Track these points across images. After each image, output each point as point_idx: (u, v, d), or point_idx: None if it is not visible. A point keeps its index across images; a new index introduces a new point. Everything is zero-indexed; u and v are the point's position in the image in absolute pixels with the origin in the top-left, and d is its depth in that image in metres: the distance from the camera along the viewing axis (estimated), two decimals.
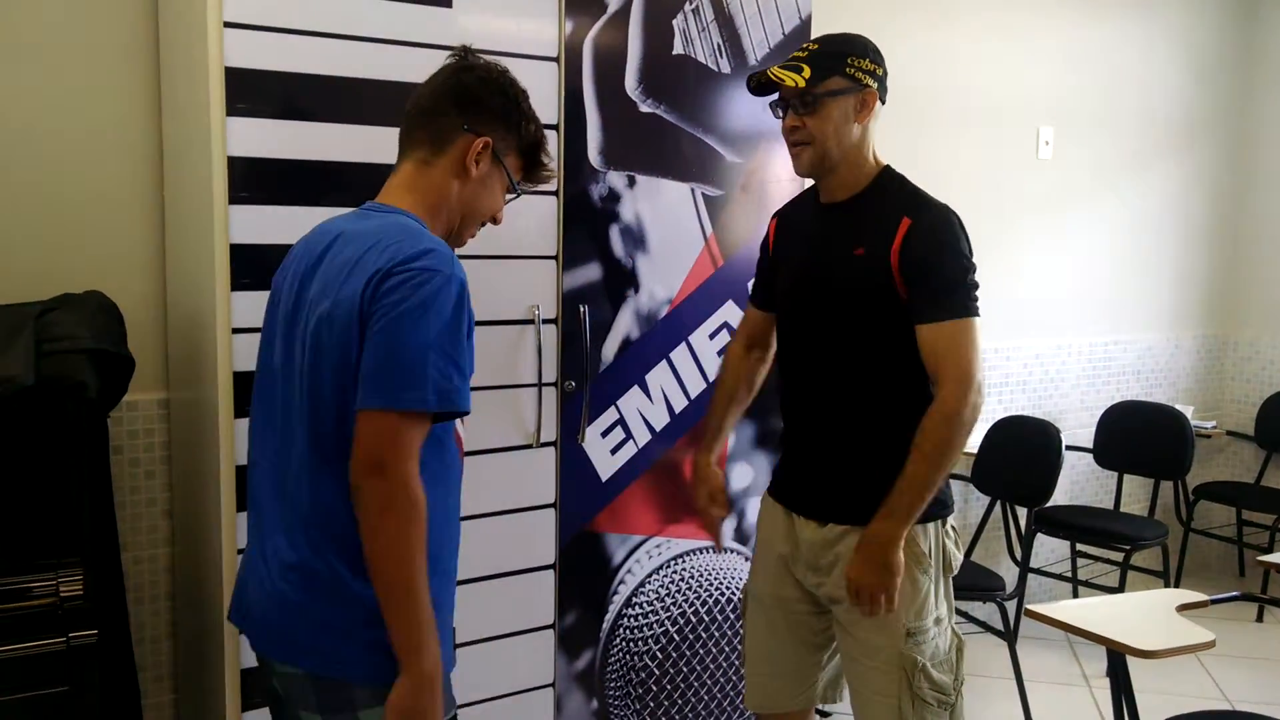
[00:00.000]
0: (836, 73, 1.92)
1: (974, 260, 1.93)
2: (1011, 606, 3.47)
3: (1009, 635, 3.43)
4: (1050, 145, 4.23)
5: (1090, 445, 4.42)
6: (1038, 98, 4.18)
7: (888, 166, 2.03)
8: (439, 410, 1.40)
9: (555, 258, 2.46)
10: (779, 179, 2.73)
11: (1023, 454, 3.68)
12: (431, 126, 1.58)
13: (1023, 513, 3.99)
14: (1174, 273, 4.82)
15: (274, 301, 1.61)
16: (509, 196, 1.67)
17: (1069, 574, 4.39)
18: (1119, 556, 4.03)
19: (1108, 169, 4.48)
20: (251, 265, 2.09)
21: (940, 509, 2.00)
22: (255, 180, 2.08)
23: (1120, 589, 3.92)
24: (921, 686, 1.94)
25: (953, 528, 2.03)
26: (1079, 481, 4.54)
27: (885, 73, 1.98)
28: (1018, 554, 3.91)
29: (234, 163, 2.06)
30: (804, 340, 2.06)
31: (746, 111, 2.66)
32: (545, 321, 2.45)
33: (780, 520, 2.13)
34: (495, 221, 1.68)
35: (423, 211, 1.56)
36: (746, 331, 2.28)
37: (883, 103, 1.98)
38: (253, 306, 2.08)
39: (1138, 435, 4.32)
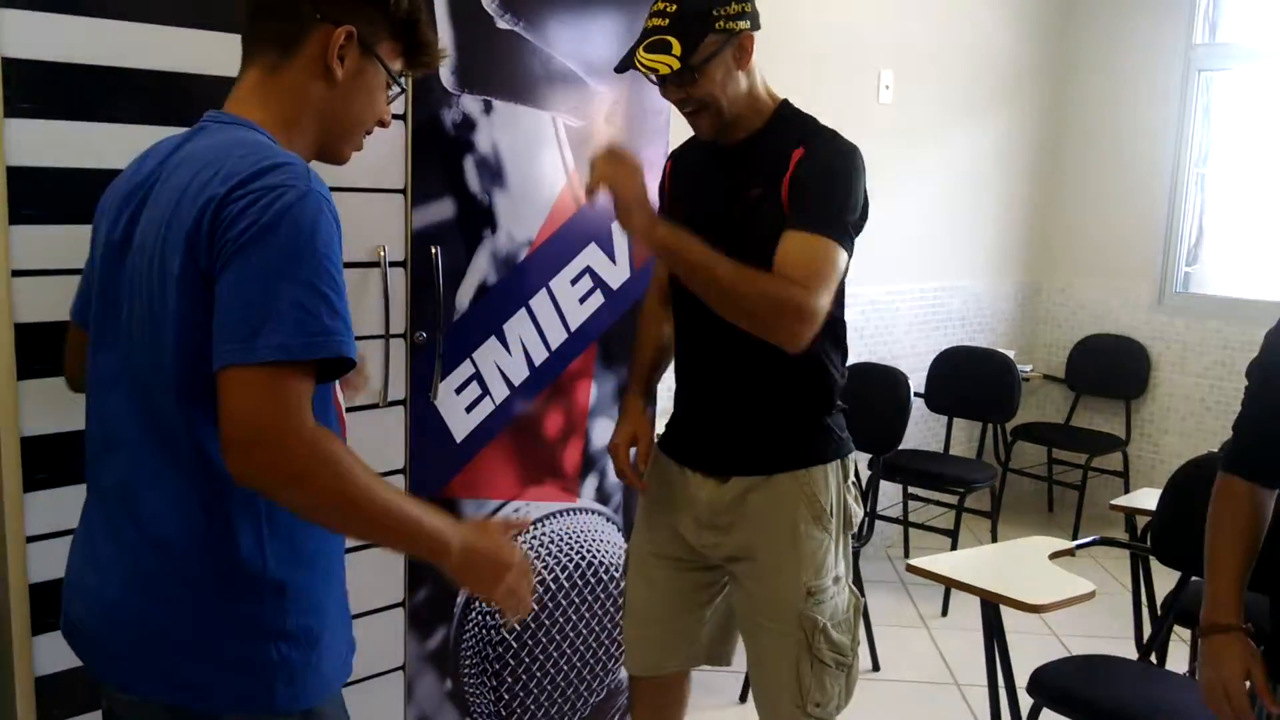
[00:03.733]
0: (707, 33, 1.72)
1: (863, 202, 1.80)
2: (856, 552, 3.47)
3: (857, 582, 3.42)
4: (890, 90, 4.20)
5: (922, 390, 4.49)
6: (880, 41, 4.13)
7: (785, 101, 1.88)
8: (308, 357, 1.10)
9: (403, 191, 2.17)
10: (648, 111, 2.52)
11: (872, 402, 3.65)
12: (277, 19, 1.27)
13: (863, 459, 4.01)
14: (998, 221, 4.95)
15: (94, 241, 1.28)
16: (393, 92, 1.36)
17: (900, 516, 4.47)
18: (950, 499, 4.12)
19: (941, 116, 4.52)
20: (37, 192, 1.71)
21: (842, 447, 1.91)
22: (38, 88, 1.69)
23: (955, 531, 4.01)
24: (821, 648, 1.85)
25: (854, 483, 1.93)
26: (910, 425, 4.60)
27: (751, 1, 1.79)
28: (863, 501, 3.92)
29: (9, 65, 1.66)
30: None
31: (613, 32, 2.43)
32: (393, 265, 2.17)
33: (673, 477, 1.97)
34: (383, 124, 1.38)
35: (276, 126, 1.25)
36: (659, 282, 2.11)
37: (758, 28, 1.80)
38: (41, 244, 1.71)
39: (968, 380, 4.41)
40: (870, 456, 3.87)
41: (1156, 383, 4.86)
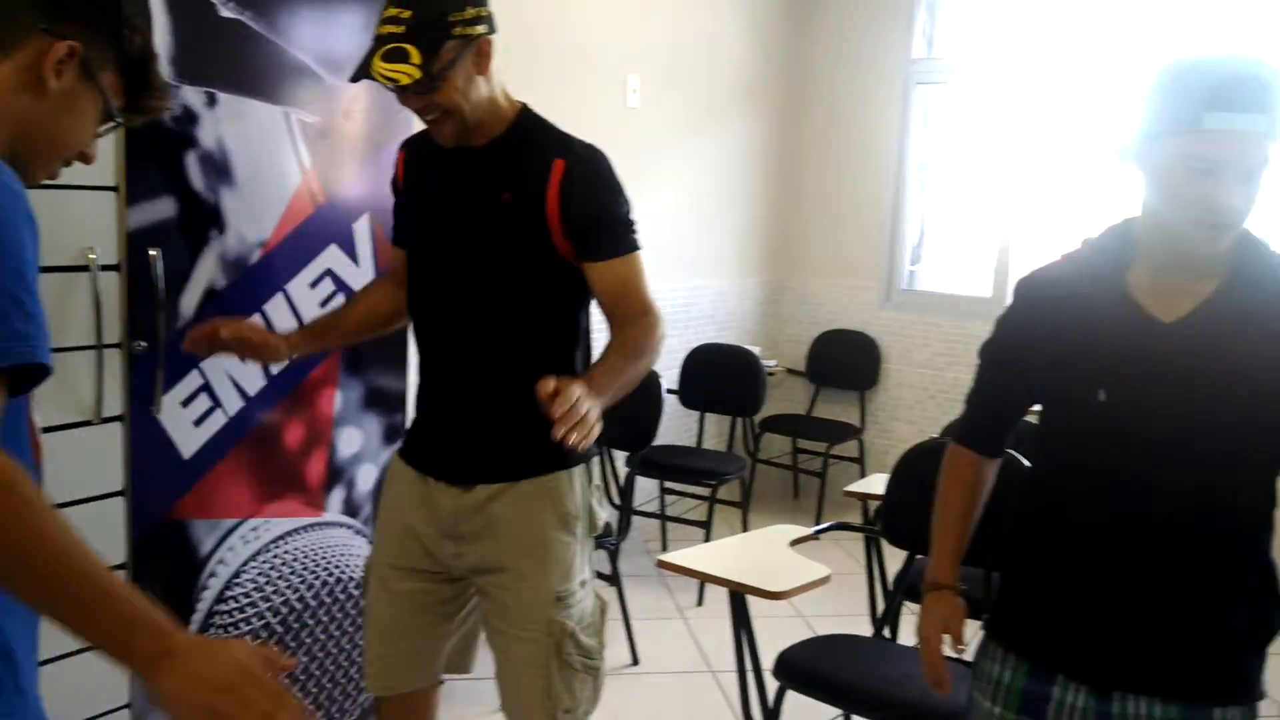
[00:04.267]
0: (446, 39, 1.68)
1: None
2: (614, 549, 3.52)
3: (615, 578, 3.48)
4: (638, 94, 4.28)
5: (676, 387, 4.61)
6: (626, 46, 4.21)
7: (525, 106, 1.87)
8: None
9: (116, 189, 1.99)
10: (388, 109, 2.44)
11: (627, 400, 3.71)
12: None
13: (620, 456, 4.07)
14: (742, 223, 5.16)
15: None
16: (105, 127, 1.25)
17: (658, 511, 4.57)
18: (704, 491, 4.25)
19: (687, 121, 4.65)
20: None
21: (587, 451, 1.91)
22: None
23: (708, 522, 4.14)
24: (570, 653, 1.85)
25: (598, 486, 1.94)
26: (665, 422, 4.71)
27: (485, 3, 1.77)
28: (616, 498, 3.98)
29: None
30: (443, 289, 1.86)
31: (350, 25, 2.33)
32: (104, 268, 1.99)
33: (413, 486, 1.91)
34: (85, 159, 1.26)
35: None
36: (396, 272, 2.04)
37: (494, 32, 1.78)
38: None
39: (718, 376, 4.57)
40: (627, 454, 3.95)
41: (886, 374, 5.21)
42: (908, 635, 3.23)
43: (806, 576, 2.23)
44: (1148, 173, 1.39)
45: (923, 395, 5.12)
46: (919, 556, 2.77)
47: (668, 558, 2.33)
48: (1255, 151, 1.29)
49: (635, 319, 1.81)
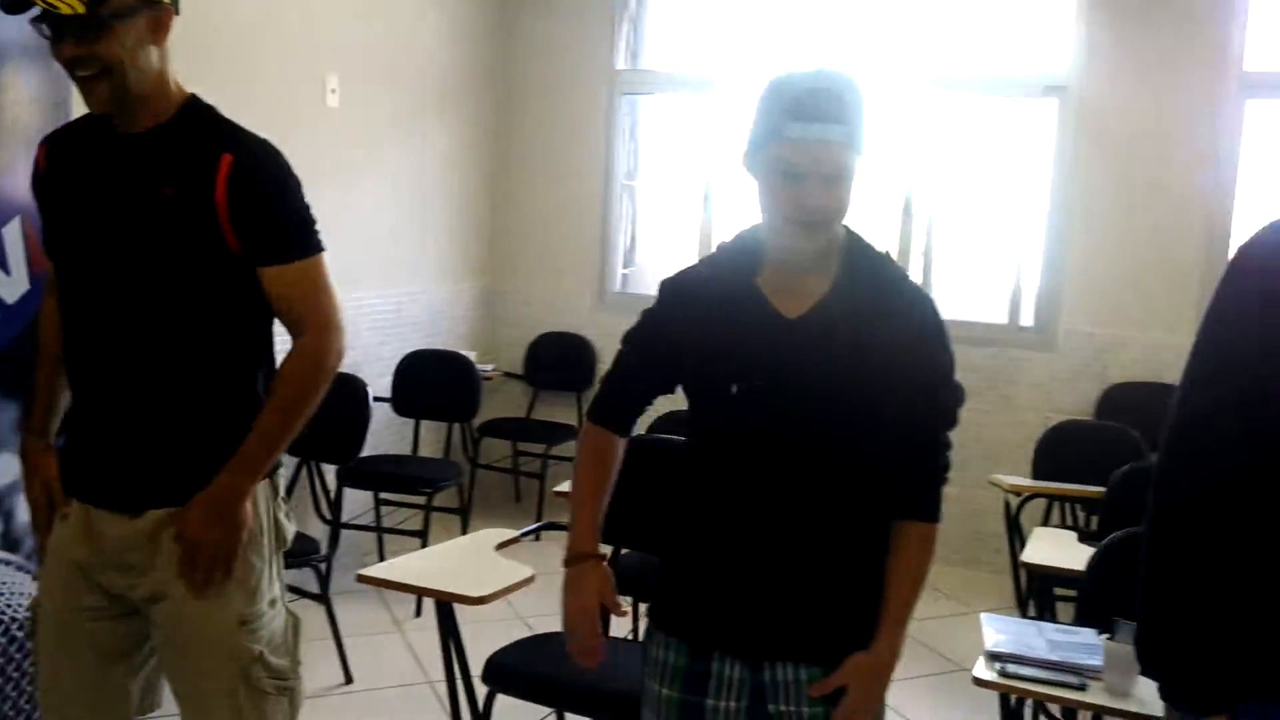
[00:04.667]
0: None
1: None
2: (324, 566, 3.39)
3: (324, 596, 3.35)
4: (337, 94, 4.15)
5: (389, 395, 4.50)
6: (324, 43, 4.07)
7: (194, 95, 1.76)
8: None
9: None
10: (42, 99, 2.22)
11: (328, 410, 3.57)
12: None
13: (329, 469, 3.93)
14: (454, 227, 5.12)
15: None
16: None
17: (374, 524, 4.45)
18: (422, 500, 4.18)
19: (392, 122, 4.56)
20: None
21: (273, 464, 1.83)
22: None
23: (424, 531, 4.07)
24: (260, 677, 1.76)
25: (284, 499, 1.86)
26: (379, 432, 4.60)
27: None
28: (326, 512, 3.83)
29: None
30: (95, 294, 1.71)
31: None
32: None
33: (75, 518, 1.75)
34: None
35: None
36: (50, 282, 1.86)
37: (178, 12, 1.69)
38: None
39: (432, 382, 4.51)
40: (336, 466, 3.81)
41: (601, 374, 5.32)
42: (619, 626, 3.34)
43: (510, 579, 2.24)
44: (756, 179, 1.51)
45: None
46: (624, 550, 2.86)
47: (368, 571, 2.27)
48: (835, 158, 1.43)
49: (313, 331, 1.74)
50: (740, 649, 1.59)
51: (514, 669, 2.38)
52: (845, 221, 1.57)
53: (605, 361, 5.17)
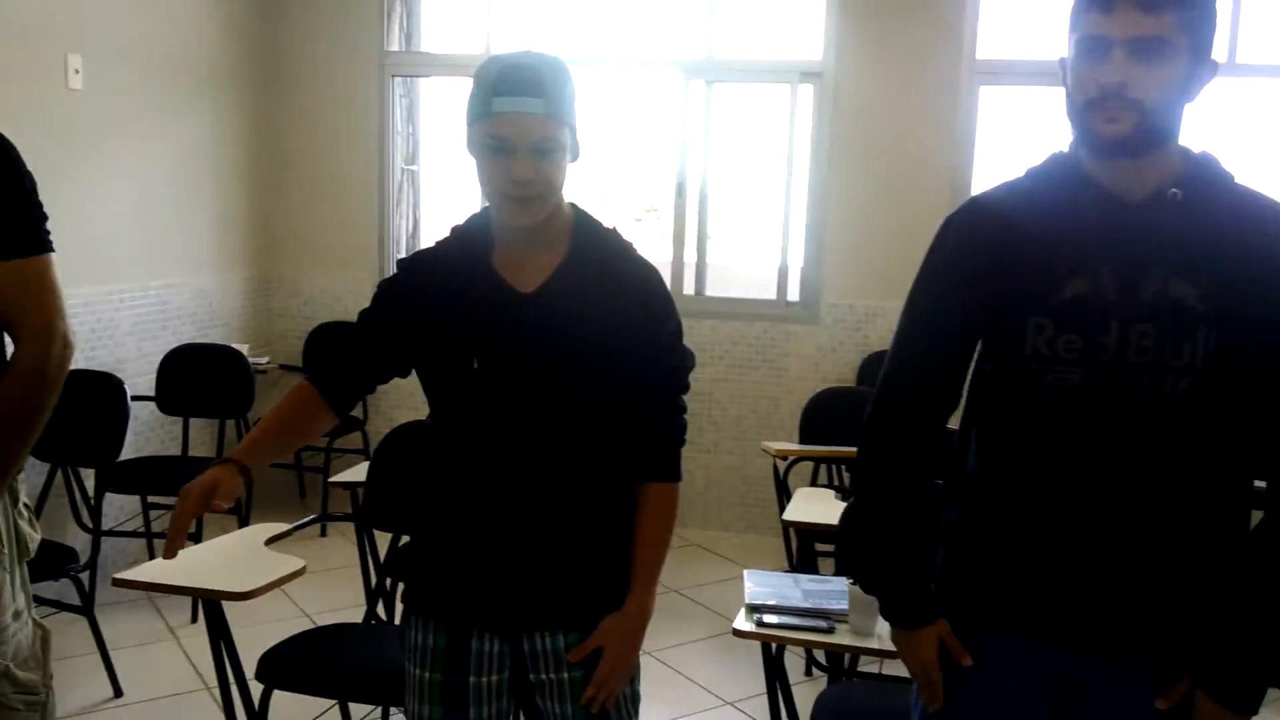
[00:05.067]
0: None
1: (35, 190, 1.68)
2: (86, 577, 3.21)
3: (87, 608, 3.18)
4: (81, 74, 3.89)
5: (152, 393, 4.28)
6: (65, 20, 3.80)
7: None
8: None
9: None
10: None
11: (84, 412, 3.38)
12: None
13: (88, 475, 3.70)
14: (221, 216, 4.90)
15: None
16: None
17: (143, 529, 4.22)
18: None
19: (146, 107, 4.32)
20: None
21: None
22: None
23: (199, 533, 3.90)
24: (6, 693, 1.68)
25: (25, 505, 1.76)
26: (142, 432, 4.37)
27: None
28: (87, 520, 3.61)
29: None
30: None
31: None
32: None
33: None
34: None
35: None
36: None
37: None
38: None
39: (202, 378, 4.31)
40: (95, 471, 3.61)
41: None
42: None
43: (279, 572, 2.20)
44: (474, 159, 1.54)
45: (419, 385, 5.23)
46: (404, 538, 2.86)
47: (125, 575, 2.18)
48: (538, 130, 1.47)
49: (29, 339, 1.64)
50: (497, 624, 1.63)
51: (287, 663, 2.34)
52: (574, 201, 1.63)
53: None
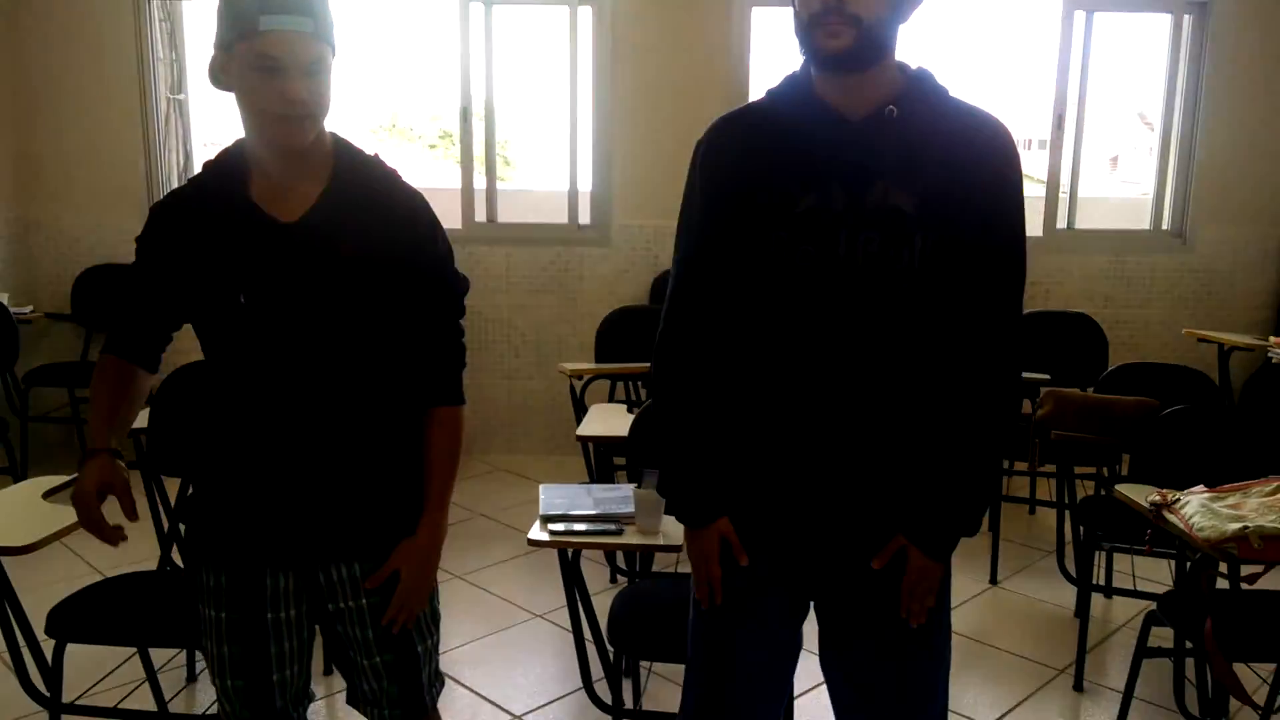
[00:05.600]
0: None
1: None
2: None
3: None
4: None
5: None
6: None
7: None
8: None
9: None
10: None
11: None
12: None
13: None
14: None
15: None
16: None
17: None
18: None
19: None
20: None
21: None
22: None
23: None
24: None
25: None
26: None
27: None
28: None
29: None
30: None
31: None
32: None
33: None
34: None
35: None
36: None
37: None
38: None
39: None
40: None
41: None
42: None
43: (61, 523, 2.13)
44: (231, 80, 1.50)
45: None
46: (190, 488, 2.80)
47: None
48: (309, 49, 1.47)
49: None
50: (290, 561, 1.65)
51: (80, 615, 2.29)
52: (334, 130, 1.62)
53: None
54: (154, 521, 2.95)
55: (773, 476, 1.59)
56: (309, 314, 1.56)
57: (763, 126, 1.57)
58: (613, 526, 2.19)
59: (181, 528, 2.95)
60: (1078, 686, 2.96)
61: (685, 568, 2.19)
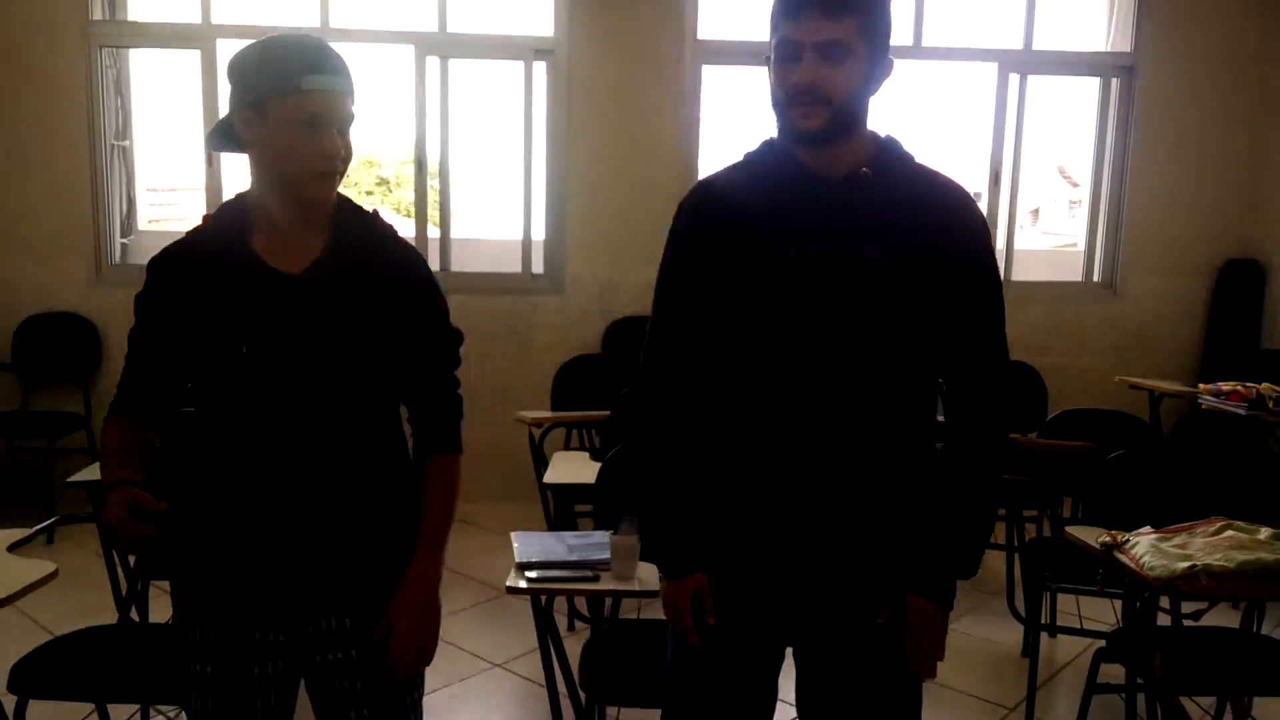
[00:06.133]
0: None
1: None
2: None
3: None
4: None
5: None
6: None
7: None
8: None
9: None
10: None
11: None
12: None
13: None
14: None
15: None
16: None
17: None
18: None
19: None
20: None
21: None
22: None
23: None
24: None
25: None
26: None
27: None
28: None
29: None
30: None
31: None
32: None
33: None
34: None
35: None
36: None
37: None
38: None
39: None
40: None
41: (111, 355, 4.93)
42: (158, 613, 3.20)
43: (30, 576, 2.10)
44: (260, 137, 1.53)
45: None
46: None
47: None
48: (345, 107, 1.55)
49: None
50: (278, 617, 1.64)
51: (45, 672, 2.25)
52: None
53: (111, 342, 4.89)
54: (109, 576, 2.91)
55: (753, 525, 1.64)
56: (311, 365, 1.58)
57: (743, 187, 1.65)
58: (589, 573, 2.23)
59: (138, 584, 2.91)
60: None
61: (649, 613, 2.22)
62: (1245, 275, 5.21)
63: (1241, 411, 3.88)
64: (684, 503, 1.68)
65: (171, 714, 2.88)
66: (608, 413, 3.56)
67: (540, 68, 4.96)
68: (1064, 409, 3.74)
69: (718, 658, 1.68)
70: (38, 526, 2.50)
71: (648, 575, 2.20)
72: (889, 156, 1.62)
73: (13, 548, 2.30)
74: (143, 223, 5.26)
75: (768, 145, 1.67)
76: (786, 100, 1.54)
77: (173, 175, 5.18)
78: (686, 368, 1.67)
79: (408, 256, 1.69)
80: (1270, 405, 3.83)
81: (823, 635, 1.67)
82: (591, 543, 2.39)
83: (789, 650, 1.73)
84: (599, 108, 4.95)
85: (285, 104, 1.50)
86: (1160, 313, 5.27)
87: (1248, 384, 3.96)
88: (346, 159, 1.57)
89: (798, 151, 1.61)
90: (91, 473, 2.98)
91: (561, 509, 3.22)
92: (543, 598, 2.28)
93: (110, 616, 2.88)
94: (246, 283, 1.58)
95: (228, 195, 1.67)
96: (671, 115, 4.96)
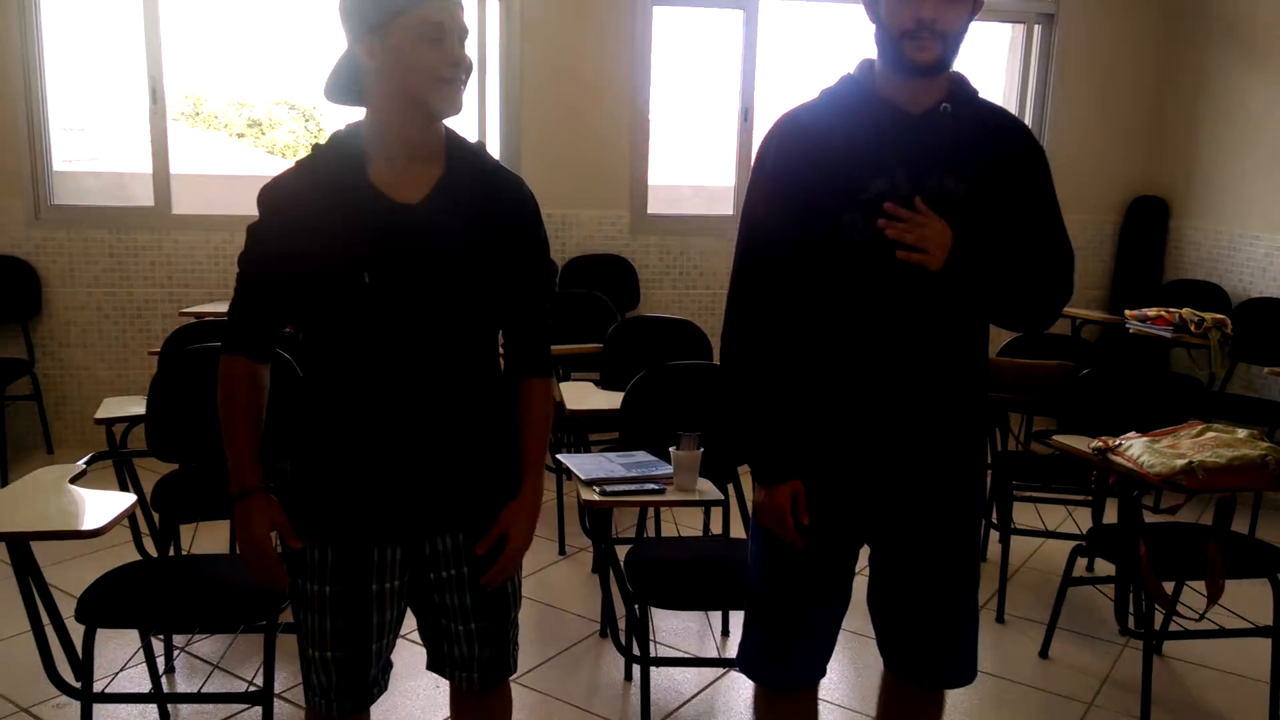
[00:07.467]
0: None
1: None
2: None
3: None
4: None
5: None
6: None
7: None
8: None
9: None
10: None
11: None
12: None
13: None
14: None
15: None
16: None
17: None
18: None
19: None
20: None
21: None
22: None
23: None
24: None
25: None
26: None
27: None
28: None
29: None
30: None
31: None
32: None
33: None
34: None
35: None
36: None
37: None
38: None
39: None
40: None
41: (51, 299, 4.77)
42: (214, 544, 3.20)
43: (118, 507, 2.12)
44: (385, 60, 1.55)
45: (96, 316, 4.82)
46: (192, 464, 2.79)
47: None
48: (461, 16, 1.59)
49: None
50: (400, 534, 1.70)
51: (111, 601, 2.26)
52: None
53: (52, 284, 4.76)
54: (143, 507, 2.90)
55: (841, 434, 1.79)
56: (430, 293, 1.61)
57: (827, 122, 1.77)
58: (655, 486, 2.37)
59: (156, 517, 2.92)
60: (1000, 619, 3.34)
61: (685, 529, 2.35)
62: (1151, 211, 5.63)
63: (1168, 335, 4.25)
64: (780, 417, 1.81)
65: (198, 644, 2.91)
66: (600, 345, 3.69)
67: (493, 6, 4.95)
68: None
69: (807, 554, 1.84)
70: (82, 460, 2.49)
71: (707, 488, 2.36)
72: (963, 93, 1.78)
73: (75, 479, 2.30)
74: (58, 162, 5.05)
75: (849, 81, 1.79)
76: (901, 34, 1.67)
77: (125, 109, 4.95)
78: (778, 290, 1.78)
79: (518, 187, 1.73)
80: (1191, 328, 4.21)
81: (897, 531, 1.85)
82: (639, 461, 2.52)
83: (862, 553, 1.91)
84: (551, 50, 4.98)
85: (409, 20, 1.53)
86: (1076, 247, 5.63)
87: (1170, 309, 4.32)
88: (469, 69, 1.60)
89: (886, 86, 1.75)
90: (117, 408, 2.96)
91: (577, 435, 3.34)
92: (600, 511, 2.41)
93: (129, 553, 2.88)
94: (366, 212, 1.59)
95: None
96: (622, 57, 5.03)
